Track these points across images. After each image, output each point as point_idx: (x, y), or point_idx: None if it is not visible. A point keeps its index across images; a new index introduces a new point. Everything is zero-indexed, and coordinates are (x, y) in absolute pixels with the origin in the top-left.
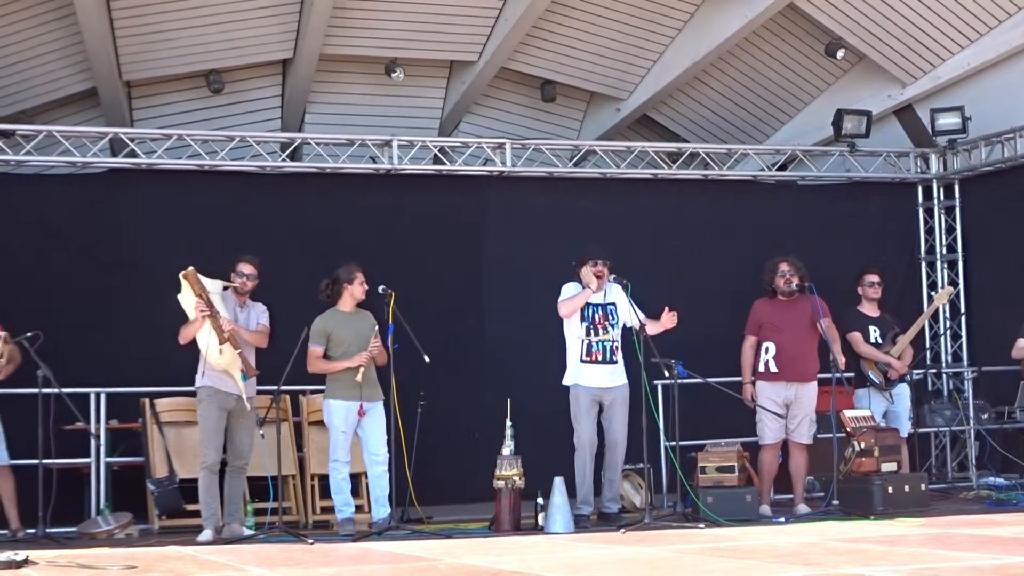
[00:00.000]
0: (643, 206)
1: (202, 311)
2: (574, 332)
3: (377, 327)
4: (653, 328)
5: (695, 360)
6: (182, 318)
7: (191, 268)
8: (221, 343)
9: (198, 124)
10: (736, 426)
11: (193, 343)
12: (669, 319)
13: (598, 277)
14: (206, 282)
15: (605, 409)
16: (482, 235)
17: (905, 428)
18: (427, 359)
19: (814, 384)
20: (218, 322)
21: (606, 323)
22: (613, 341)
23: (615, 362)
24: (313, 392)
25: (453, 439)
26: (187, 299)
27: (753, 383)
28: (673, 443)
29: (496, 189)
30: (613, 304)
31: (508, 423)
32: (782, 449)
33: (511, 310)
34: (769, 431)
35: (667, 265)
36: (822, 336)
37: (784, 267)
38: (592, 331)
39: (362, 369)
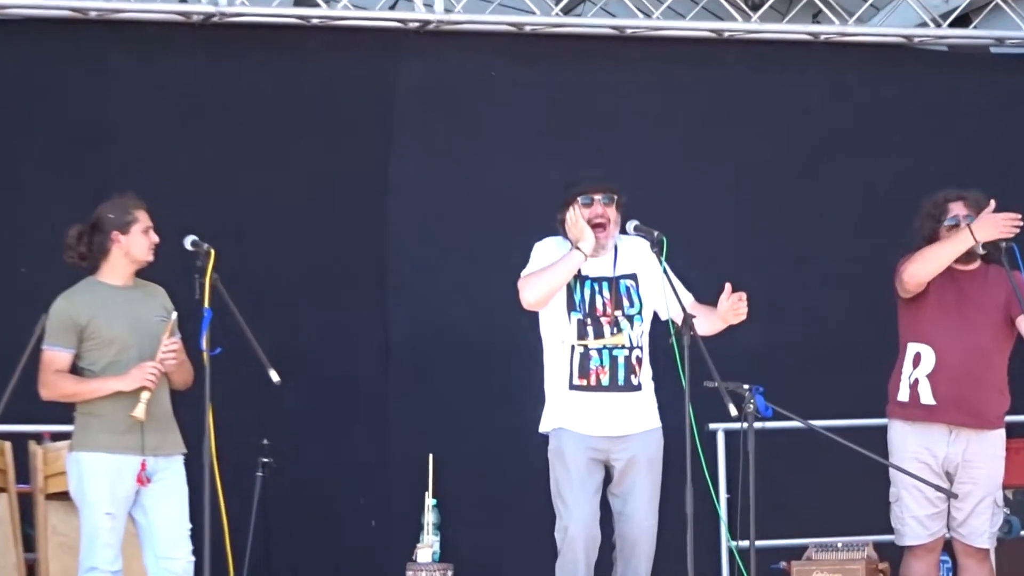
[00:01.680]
0: (692, 92)
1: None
2: (557, 332)
3: (175, 315)
4: (707, 322)
5: (788, 386)
6: None
7: None
8: None
9: None
10: (866, 511)
11: None
12: (732, 306)
13: (597, 227)
14: None
15: (616, 477)
16: (389, 143)
17: None
18: (276, 377)
19: (999, 435)
20: None
21: (617, 314)
22: (633, 347)
23: (636, 387)
24: (55, 438)
25: (326, 527)
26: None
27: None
28: (745, 542)
29: (416, 55)
30: (632, 278)
31: (429, 499)
32: (946, 554)
33: (442, 285)
34: (915, 523)
35: (736, 205)
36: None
37: (959, 209)
38: (591, 329)
39: (145, 395)
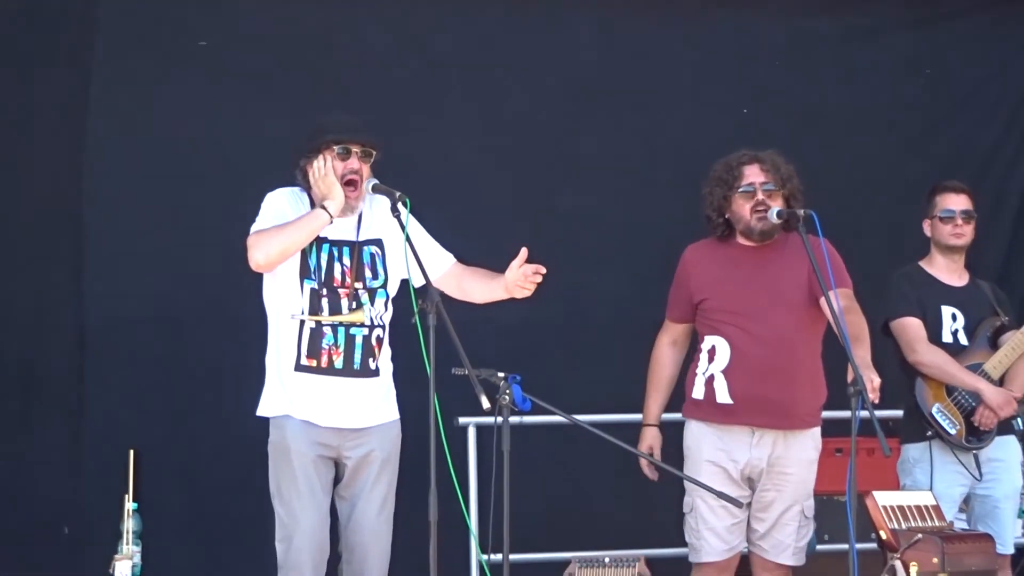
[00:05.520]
0: (441, 33)
1: None
2: (285, 303)
3: None
4: (483, 289)
5: (551, 374)
6: None
7: None
8: None
9: None
10: (638, 518)
11: None
12: (524, 277)
13: (348, 184)
14: None
15: (346, 476)
16: (87, 86)
17: (1010, 532)
18: None
19: (812, 435)
20: None
21: (358, 286)
22: (374, 326)
23: (373, 372)
24: None
25: (10, 535)
26: None
27: (660, 427)
28: (498, 556)
29: None
30: (378, 244)
31: (129, 502)
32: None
33: (145, 253)
34: (712, 536)
35: (493, 162)
36: (832, 327)
37: (751, 173)
38: (326, 301)
39: None
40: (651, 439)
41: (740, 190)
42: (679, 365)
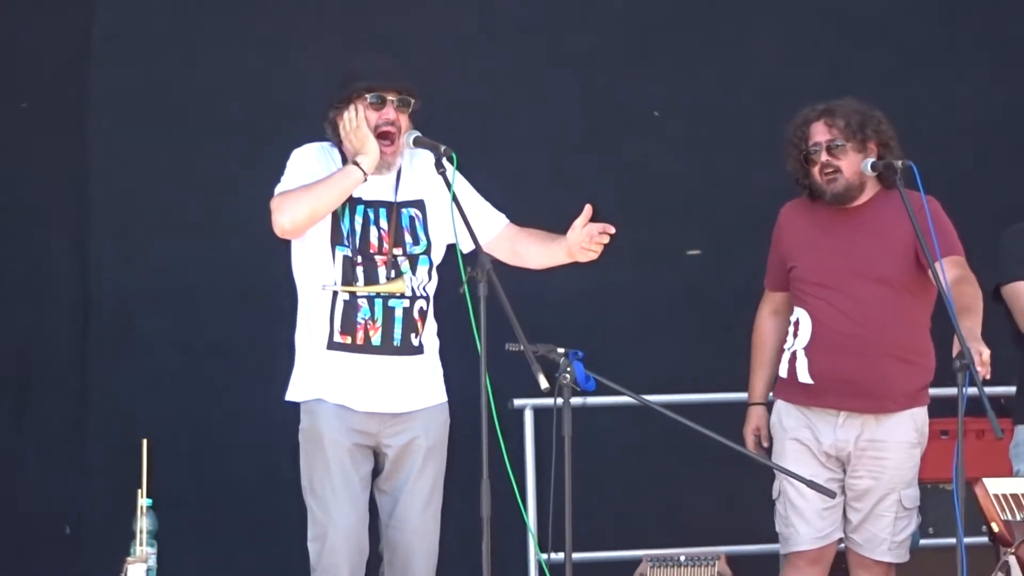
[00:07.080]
0: None
1: None
2: (315, 272)
3: None
4: (541, 252)
5: (618, 350)
6: None
7: None
8: None
9: None
10: (718, 511)
11: None
12: (589, 238)
13: (383, 137)
14: None
15: (387, 468)
16: (88, 33)
17: None
18: None
19: (912, 415)
20: None
21: (397, 252)
22: (416, 297)
23: (416, 350)
24: None
25: (4, 534)
26: None
27: (767, 406)
28: (559, 555)
29: None
30: (418, 206)
31: (143, 499)
32: (836, 566)
33: (158, 216)
34: (801, 522)
35: (555, 109)
36: (941, 296)
37: (817, 131)
38: (361, 270)
39: None
40: (757, 419)
41: (809, 149)
42: (784, 336)
